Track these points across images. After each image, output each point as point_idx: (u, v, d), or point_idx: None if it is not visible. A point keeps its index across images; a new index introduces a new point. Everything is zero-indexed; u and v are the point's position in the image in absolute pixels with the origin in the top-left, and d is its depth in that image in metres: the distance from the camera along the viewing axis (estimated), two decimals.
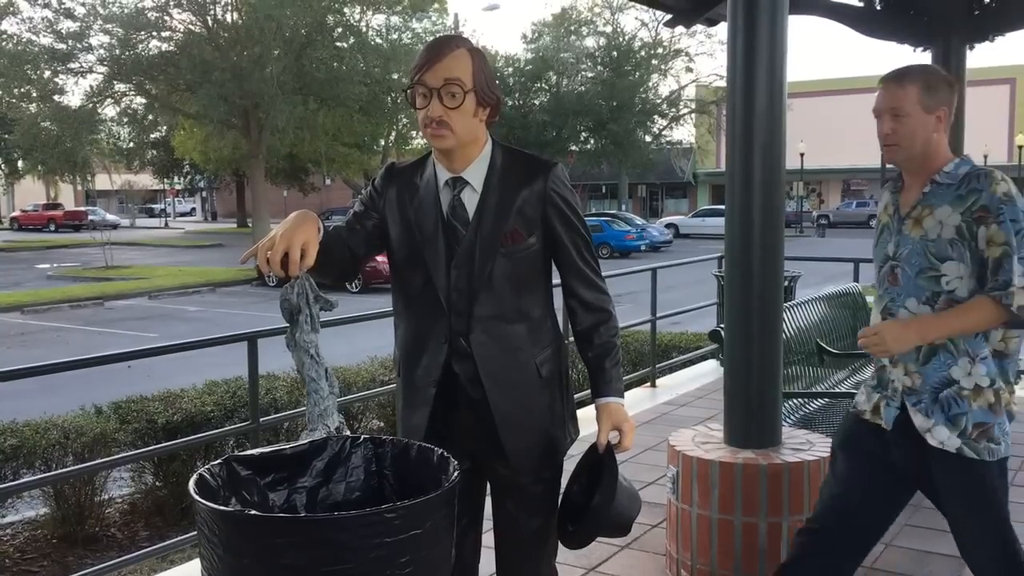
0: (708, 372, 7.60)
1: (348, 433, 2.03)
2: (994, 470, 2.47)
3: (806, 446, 3.55)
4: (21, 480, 5.07)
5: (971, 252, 2.39)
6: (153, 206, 67.57)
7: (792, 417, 4.53)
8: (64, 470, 5.22)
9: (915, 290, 2.46)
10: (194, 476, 1.77)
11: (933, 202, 2.46)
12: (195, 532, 2.13)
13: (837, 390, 5.17)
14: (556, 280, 2.27)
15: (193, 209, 72.45)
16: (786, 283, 7.95)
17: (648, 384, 7.27)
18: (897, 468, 2.58)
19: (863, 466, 2.63)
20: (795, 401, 4.71)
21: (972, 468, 2.45)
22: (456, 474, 1.78)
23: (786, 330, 4.84)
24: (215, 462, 1.86)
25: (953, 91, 2.52)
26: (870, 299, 6.87)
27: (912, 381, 2.49)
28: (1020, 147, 43.38)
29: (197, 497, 1.68)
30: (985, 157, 42.20)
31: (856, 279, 7.38)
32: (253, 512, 1.74)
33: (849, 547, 2.69)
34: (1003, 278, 2.33)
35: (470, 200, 2.17)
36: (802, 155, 43.37)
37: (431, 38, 2.19)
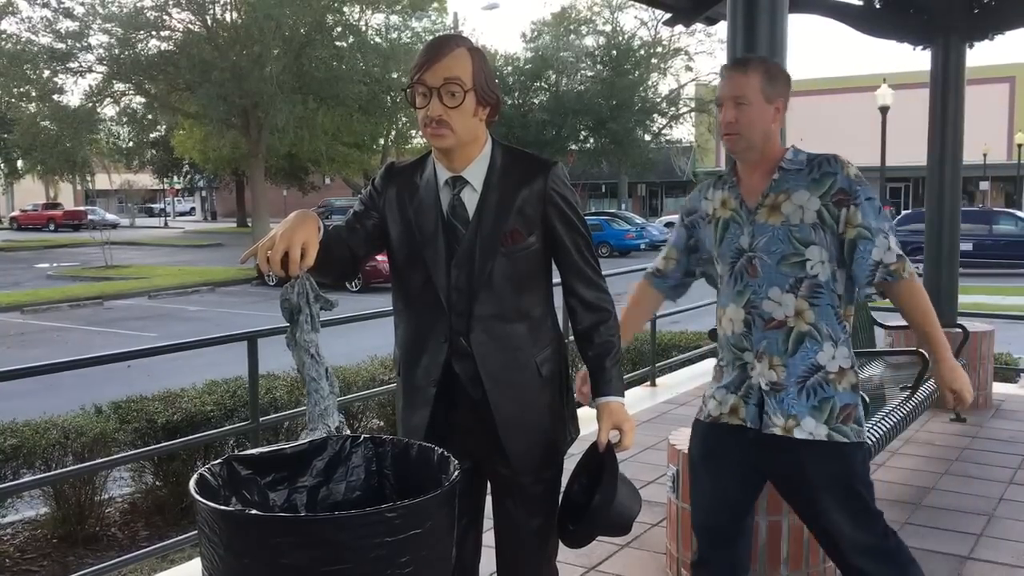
0: (708, 371, 7.55)
1: (348, 432, 2.03)
2: (861, 453, 2.51)
3: None
4: (21, 480, 5.07)
5: (832, 235, 2.44)
6: (153, 206, 67.54)
7: None
8: (64, 470, 5.22)
9: (778, 278, 2.45)
10: (195, 476, 1.77)
11: (788, 187, 2.46)
12: (195, 532, 2.13)
13: None
14: (556, 279, 2.27)
15: (193, 209, 72.42)
16: None
17: (648, 383, 7.26)
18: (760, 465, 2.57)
19: (734, 477, 2.60)
20: None
21: (843, 452, 2.47)
22: (456, 474, 1.78)
23: None
24: (215, 462, 1.86)
25: (789, 85, 2.54)
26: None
27: (777, 375, 2.46)
28: (1020, 145, 43.36)
29: (198, 497, 1.68)
30: (984, 155, 42.19)
31: None
32: (254, 512, 1.74)
33: (743, 559, 2.71)
34: (865, 259, 2.41)
35: (470, 199, 2.17)
36: None
37: (431, 37, 2.20)
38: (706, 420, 2.64)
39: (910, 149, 22.93)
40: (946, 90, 6.27)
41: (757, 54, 2.62)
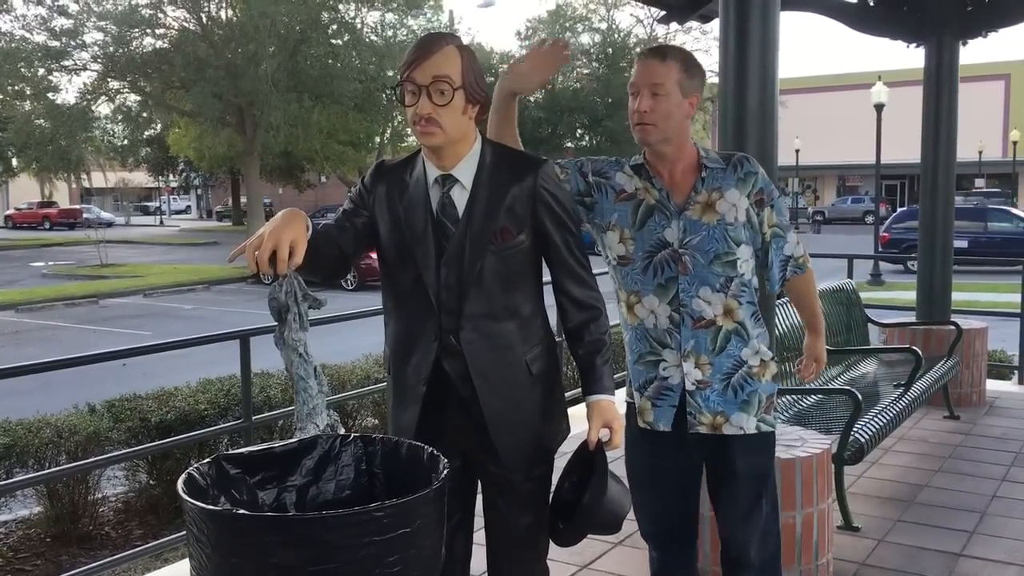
0: None
1: (342, 431, 2.02)
2: (774, 438, 2.58)
3: (799, 443, 3.55)
4: (14, 479, 5.06)
5: (753, 234, 2.46)
6: (148, 204, 67.37)
7: (786, 413, 4.54)
8: (57, 468, 5.21)
9: (709, 277, 2.41)
10: (183, 475, 1.76)
11: (718, 185, 2.42)
12: None
13: (831, 386, 5.18)
14: (547, 277, 2.27)
15: (188, 207, 72.26)
16: None
17: None
18: (683, 464, 2.56)
19: (672, 482, 2.58)
20: (789, 397, 4.72)
21: (766, 441, 2.53)
22: (446, 472, 1.78)
23: (780, 326, 4.84)
24: (204, 461, 1.86)
25: (704, 81, 2.45)
26: (864, 295, 6.89)
27: (703, 373, 2.43)
28: (1015, 143, 43.44)
29: (186, 496, 1.68)
30: (980, 153, 42.30)
31: (850, 275, 7.36)
32: (241, 511, 1.74)
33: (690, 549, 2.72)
34: (778, 255, 2.50)
35: (460, 198, 2.16)
36: (797, 151, 43.41)
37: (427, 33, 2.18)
38: (636, 425, 2.55)
39: (905, 146, 22.98)
40: (940, 87, 6.28)
41: (673, 45, 2.56)
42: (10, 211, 55.05)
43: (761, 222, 2.46)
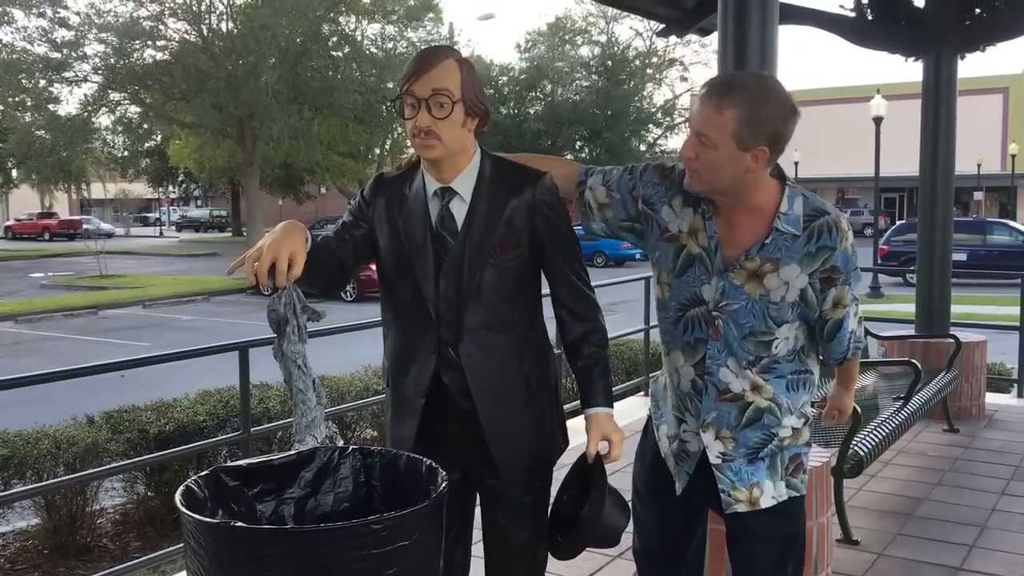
0: None
1: (341, 442, 2.02)
2: (803, 504, 2.36)
3: None
4: (12, 490, 5.05)
5: (806, 309, 2.16)
6: (148, 215, 67.41)
7: None
8: (55, 480, 5.20)
9: (739, 351, 2.16)
10: (181, 487, 1.76)
11: (778, 256, 2.09)
12: None
13: None
14: (545, 290, 2.27)
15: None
16: None
17: (642, 393, 7.26)
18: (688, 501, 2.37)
19: (676, 514, 2.43)
20: None
21: (793, 507, 2.31)
22: (444, 485, 1.78)
23: None
24: (202, 473, 1.85)
25: (791, 121, 2.06)
26: (863, 308, 6.87)
27: (725, 446, 2.23)
28: (1013, 156, 43.51)
29: (183, 508, 1.68)
30: (979, 166, 42.35)
31: None
32: (239, 524, 1.73)
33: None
34: (843, 338, 2.22)
35: (459, 210, 2.17)
36: (796, 164, 43.46)
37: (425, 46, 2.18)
38: (653, 451, 2.42)
39: (904, 159, 23.00)
40: (938, 101, 6.30)
41: (752, 73, 2.13)
42: (10, 222, 55.10)
43: (824, 300, 2.14)
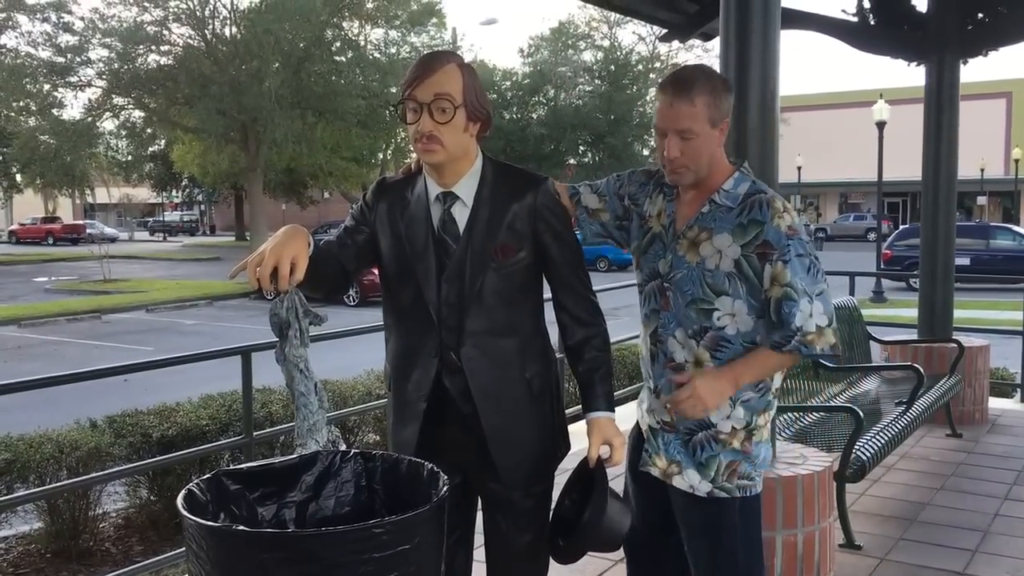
0: None
1: (343, 446, 2.03)
2: (745, 506, 2.32)
3: (800, 460, 3.54)
4: (15, 494, 5.06)
5: (749, 288, 2.19)
6: (149, 219, 67.55)
7: (788, 431, 4.53)
8: (58, 484, 5.20)
9: (684, 320, 2.25)
10: (183, 491, 1.77)
11: (712, 225, 2.22)
12: None
13: (832, 403, 5.17)
14: (547, 295, 2.28)
15: (198, 223, 72.40)
16: None
17: None
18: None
19: (653, 495, 2.44)
20: (790, 415, 4.71)
21: (720, 508, 2.30)
22: (445, 489, 1.78)
23: None
24: (204, 477, 1.86)
25: (731, 95, 2.28)
26: (866, 312, 6.88)
27: (670, 415, 2.29)
28: (1016, 161, 43.48)
29: (185, 512, 1.68)
30: (982, 171, 42.32)
31: (852, 292, 7.37)
32: (240, 527, 1.74)
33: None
34: (788, 322, 2.15)
35: (460, 215, 2.17)
36: (799, 169, 43.47)
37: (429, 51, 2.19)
38: (637, 429, 2.50)
39: (907, 164, 23.01)
40: (940, 106, 6.30)
41: (689, 66, 2.26)
42: (14, 226, 55.18)
43: (761, 277, 2.18)
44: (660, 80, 2.34)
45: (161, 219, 65.14)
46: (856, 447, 4.17)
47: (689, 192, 2.30)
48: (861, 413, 4.27)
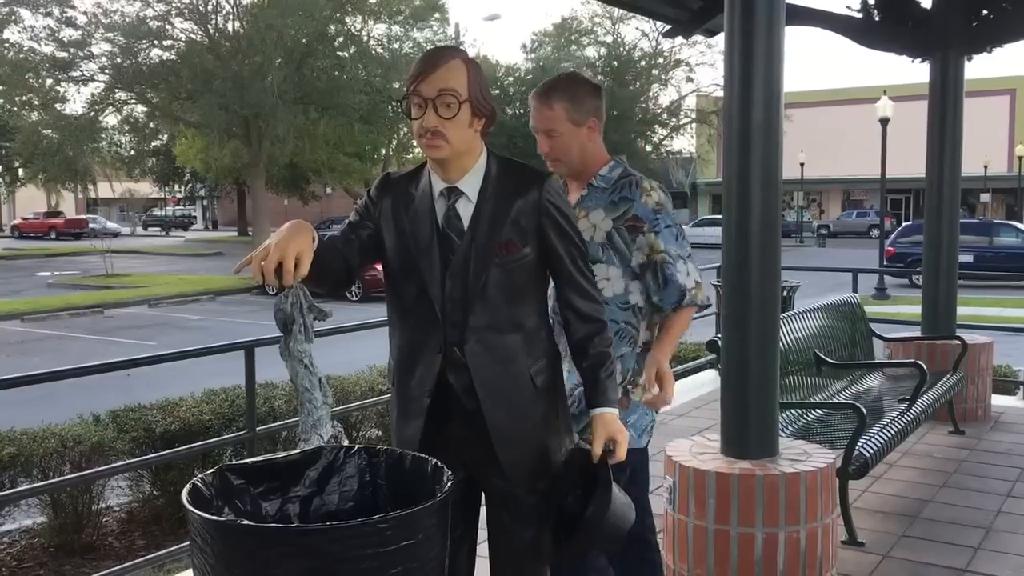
0: (707, 382, 7.59)
1: (346, 442, 2.03)
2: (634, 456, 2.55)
3: (803, 456, 3.54)
4: (18, 488, 5.07)
5: (620, 257, 2.62)
6: (157, 213, 67.63)
7: (790, 427, 4.53)
8: (61, 478, 5.21)
9: None
10: (187, 486, 1.77)
11: (588, 205, 2.65)
12: None
13: (835, 400, 5.17)
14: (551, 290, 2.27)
15: (194, 217, 72.52)
16: (784, 293, 7.96)
17: None
18: None
19: None
20: (793, 411, 4.71)
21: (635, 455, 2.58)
22: (449, 484, 1.78)
23: (784, 340, 4.84)
24: (208, 471, 1.86)
25: (599, 97, 2.68)
26: (869, 309, 6.88)
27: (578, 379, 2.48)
28: (1020, 158, 43.41)
29: (190, 506, 1.69)
30: (985, 167, 42.26)
31: (855, 289, 7.38)
32: (244, 522, 1.74)
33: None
34: (674, 281, 2.60)
35: (465, 210, 2.17)
36: (802, 165, 43.43)
37: (432, 47, 2.29)
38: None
39: (911, 160, 22.97)
40: (945, 103, 6.29)
41: (563, 74, 2.77)
42: (17, 221, 55.25)
43: (630, 247, 2.61)
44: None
45: (152, 214, 65.25)
46: (859, 444, 4.17)
47: (574, 184, 2.72)
48: (864, 410, 4.27)
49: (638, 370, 2.67)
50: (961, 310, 6.77)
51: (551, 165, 2.67)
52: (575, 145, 2.65)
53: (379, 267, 2.28)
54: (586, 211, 2.64)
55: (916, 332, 6.71)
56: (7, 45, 32.63)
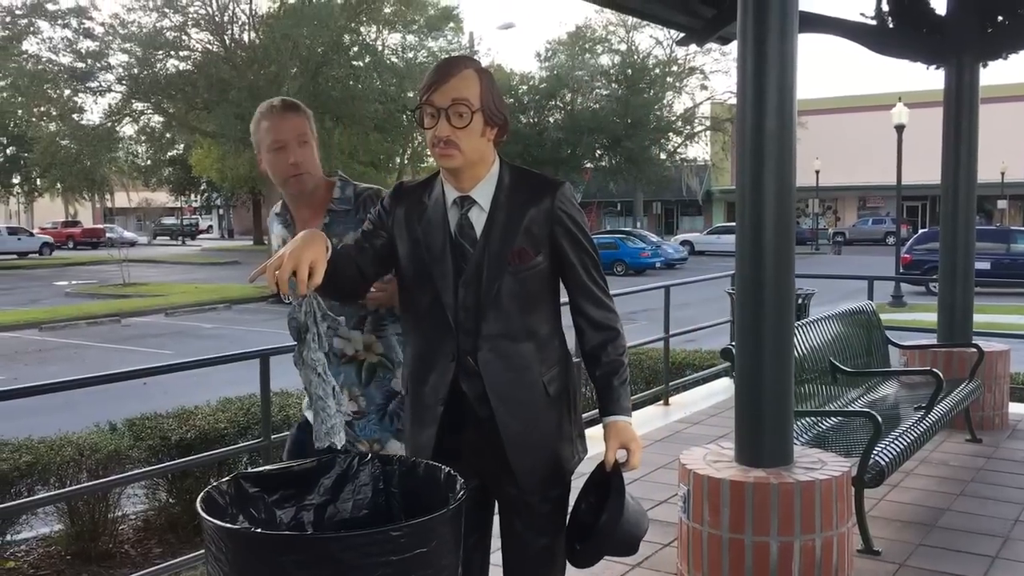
0: (722, 390, 7.57)
1: (359, 449, 2.04)
2: None
3: (818, 465, 3.53)
4: (36, 496, 5.10)
5: None
6: (152, 223, 67.92)
7: (805, 436, 4.51)
8: (78, 486, 5.24)
9: (342, 318, 2.46)
10: (202, 493, 1.78)
11: (339, 229, 2.55)
12: None
13: (851, 408, 5.15)
14: (564, 298, 2.28)
15: (210, 227, 72.88)
16: (799, 300, 7.93)
17: (661, 402, 7.24)
18: None
19: None
20: (808, 420, 4.69)
21: None
22: (462, 493, 1.79)
23: (799, 348, 4.82)
24: (223, 479, 1.87)
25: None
26: (886, 317, 6.84)
27: (358, 405, 2.58)
28: None
29: (204, 514, 1.70)
30: (1002, 174, 42.01)
31: (870, 297, 7.34)
32: (259, 530, 1.75)
33: None
34: None
35: (478, 219, 2.18)
36: (817, 172, 43.26)
37: (446, 56, 2.30)
38: (304, 420, 2.72)
39: (927, 167, 22.84)
40: (960, 109, 6.26)
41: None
42: (35, 230, 55.68)
43: None
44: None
45: (162, 223, 65.67)
46: (875, 452, 4.14)
47: (302, 211, 2.62)
48: (880, 418, 4.25)
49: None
50: (978, 318, 6.73)
51: (296, 182, 2.55)
52: (315, 158, 2.60)
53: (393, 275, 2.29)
54: (339, 238, 2.46)
55: (932, 340, 6.67)
56: (26, 56, 32.97)
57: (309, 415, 2.65)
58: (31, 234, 47.41)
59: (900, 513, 4.63)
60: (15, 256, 43.47)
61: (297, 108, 2.57)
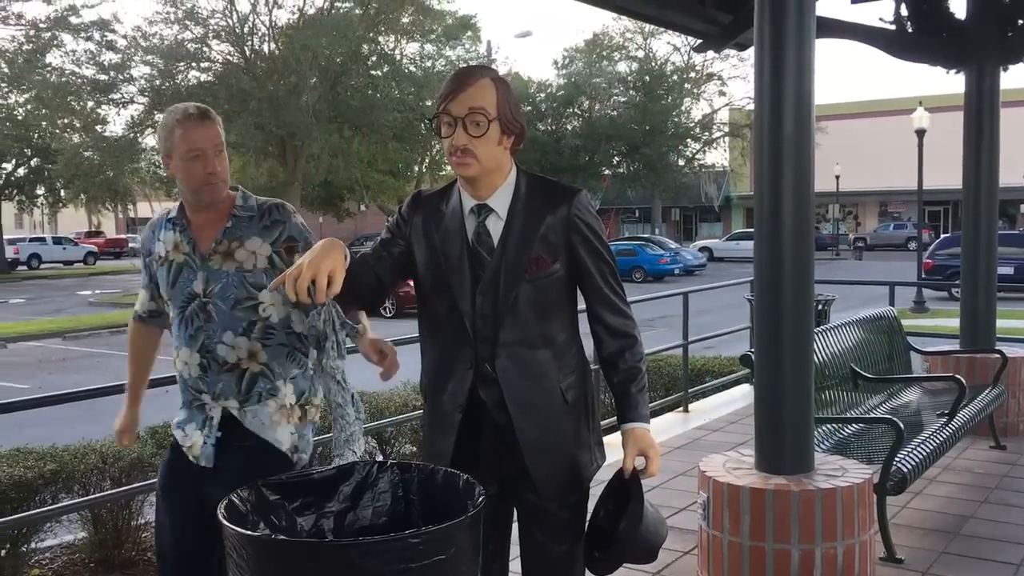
0: (741, 397, 7.54)
1: (380, 457, 2.05)
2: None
3: (839, 472, 3.51)
4: (60, 504, 5.14)
5: (271, 279, 2.49)
6: None
7: (826, 443, 4.49)
8: (102, 494, 5.28)
9: (231, 323, 2.50)
10: (223, 501, 1.80)
11: (241, 235, 2.54)
12: None
13: (872, 415, 5.11)
14: (581, 306, 2.28)
15: None
16: (819, 307, 7.89)
17: (681, 409, 7.22)
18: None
19: (190, 512, 2.56)
20: (829, 426, 4.66)
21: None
22: (481, 500, 1.79)
23: (820, 354, 4.80)
24: (244, 487, 1.89)
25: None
26: (908, 323, 6.79)
27: (241, 417, 2.52)
28: None
29: (225, 522, 1.71)
30: None
31: (892, 303, 7.29)
32: (279, 537, 1.77)
33: None
34: None
35: (495, 227, 2.19)
36: (838, 177, 43.03)
37: (464, 65, 2.27)
38: (176, 445, 2.68)
39: (948, 172, 22.67)
40: (981, 113, 6.22)
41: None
42: (77, 240, 56.19)
43: (276, 267, 2.53)
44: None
45: None
46: (897, 459, 4.12)
47: (200, 216, 2.59)
48: (902, 425, 4.22)
49: (314, 390, 2.63)
50: (1001, 323, 6.68)
51: (212, 191, 2.53)
52: (228, 168, 2.59)
53: (411, 283, 2.31)
54: (240, 242, 2.53)
55: (955, 346, 6.62)
56: (50, 69, 33.34)
57: (178, 435, 2.67)
58: (75, 243, 48.14)
59: (923, 521, 4.59)
60: (61, 265, 44.24)
61: (211, 116, 2.56)
